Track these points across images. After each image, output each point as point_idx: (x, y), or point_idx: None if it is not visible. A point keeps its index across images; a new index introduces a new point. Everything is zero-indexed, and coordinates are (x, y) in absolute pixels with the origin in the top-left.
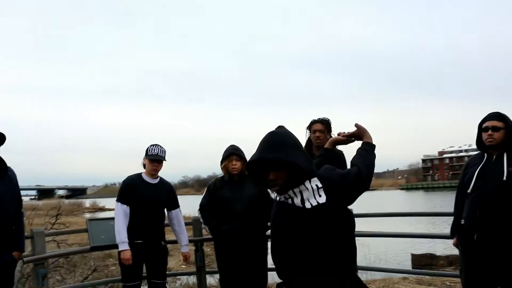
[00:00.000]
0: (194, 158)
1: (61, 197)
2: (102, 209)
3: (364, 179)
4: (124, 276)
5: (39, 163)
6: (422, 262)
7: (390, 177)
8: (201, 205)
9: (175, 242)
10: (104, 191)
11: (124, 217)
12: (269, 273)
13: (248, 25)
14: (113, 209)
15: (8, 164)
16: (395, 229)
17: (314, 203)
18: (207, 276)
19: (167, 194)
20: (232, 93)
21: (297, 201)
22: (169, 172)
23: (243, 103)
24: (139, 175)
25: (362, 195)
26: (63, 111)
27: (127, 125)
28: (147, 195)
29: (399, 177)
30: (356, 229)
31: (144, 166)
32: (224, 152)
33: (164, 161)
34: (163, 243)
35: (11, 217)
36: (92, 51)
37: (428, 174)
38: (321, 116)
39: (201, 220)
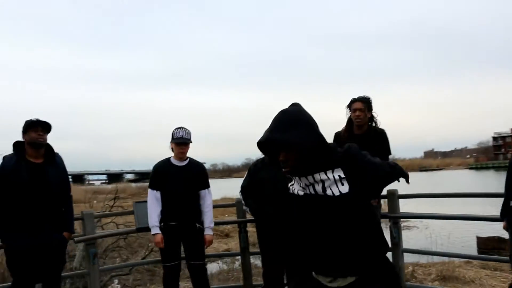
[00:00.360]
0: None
1: (129, 181)
2: None
3: (392, 176)
4: (163, 257)
5: (109, 149)
6: (488, 245)
7: (458, 156)
8: (242, 186)
9: (231, 222)
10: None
11: (155, 203)
12: None
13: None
14: None
15: (76, 150)
16: (461, 211)
17: (337, 192)
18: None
19: (196, 175)
20: (303, 76)
21: (319, 188)
22: (233, 155)
23: (312, 85)
24: (167, 160)
25: (428, 175)
26: (131, 97)
27: (193, 109)
28: (175, 178)
29: (468, 156)
30: (418, 211)
31: (173, 149)
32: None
33: (190, 143)
34: (197, 225)
35: (60, 200)
36: (158, 36)
37: (499, 152)
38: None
39: (242, 202)
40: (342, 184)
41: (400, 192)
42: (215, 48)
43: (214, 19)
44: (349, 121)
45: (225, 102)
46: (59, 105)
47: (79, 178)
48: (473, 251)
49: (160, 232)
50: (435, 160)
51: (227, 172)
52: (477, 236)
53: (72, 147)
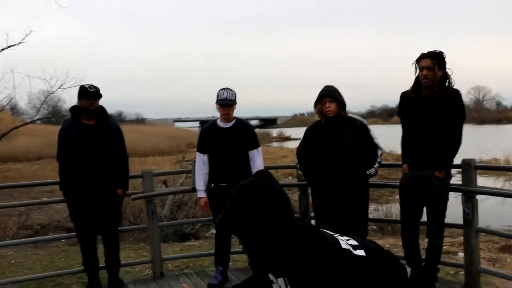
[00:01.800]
0: (382, 86)
1: (254, 127)
2: (288, 139)
3: None
4: (214, 217)
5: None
6: None
7: None
8: (298, 149)
9: (290, 185)
10: (293, 120)
11: (202, 166)
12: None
13: None
14: (299, 139)
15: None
16: None
17: None
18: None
19: (243, 136)
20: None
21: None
22: (356, 103)
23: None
24: (214, 122)
25: None
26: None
27: (318, 55)
28: (221, 140)
29: None
30: None
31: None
32: (318, 94)
33: (235, 104)
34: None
35: (113, 159)
36: None
37: None
38: None
39: (298, 165)
40: None
41: None
42: None
43: None
44: (417, 80)
45: (349, 46)
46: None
47: (204, 124)
48: None
49: (205, 195)
50: None
51: None
52: None
53: (207, 94)
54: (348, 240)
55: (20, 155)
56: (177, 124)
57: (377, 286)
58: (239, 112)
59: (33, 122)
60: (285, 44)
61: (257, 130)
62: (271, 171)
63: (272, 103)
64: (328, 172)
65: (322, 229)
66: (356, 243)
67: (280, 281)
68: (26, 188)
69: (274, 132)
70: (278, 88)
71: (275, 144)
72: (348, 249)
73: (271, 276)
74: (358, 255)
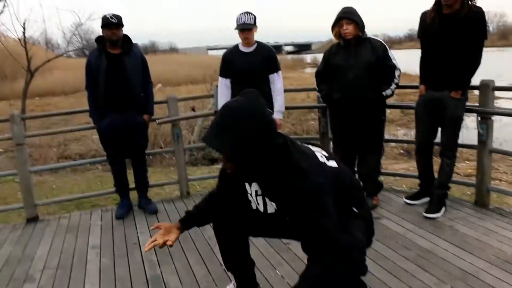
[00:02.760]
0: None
1: (288, 53)
2: None
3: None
4: None
5: (267, 20)
6: None
7: None
8: (316, 72)
9: (311, 107)
10: (328, 45)
11: (225, 90)
12: None
13: None
14: None
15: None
16: None
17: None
18: None
19: (264, 59)
20: None
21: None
22: (395, 25)
23: None
24: (236, 47)
25: None
26: None
27: None
28: (242, 65)
29: None
30: None
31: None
32: (335, 17)
33: (255, 28)
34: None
35: (138, 86)
36: None
37: None
38: None
39: (316, 87)
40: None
41: None
42: None
43: None
44: (438, 1)
45: None
46: None
47: None
48: None
49: None
50: None
51: (388, 43)
52: None
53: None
54: (321, 151)
55: (57, 89)
56: (211, 52)
57: (345, 197)
58: (273, 37)
59: (62, 55)
60: None
61: (291, 56)
62: (300, 94)
63: (308, 29)
64: (344, 92)
65: (298, 143)
66: (327, 155)
67: (254, 185)
68: (64, 121)
69: (308, 58)
70: (313, 12)
71: (308, 70)
72: (324, 162)
73: (247, 186)
74: (331, 166)
